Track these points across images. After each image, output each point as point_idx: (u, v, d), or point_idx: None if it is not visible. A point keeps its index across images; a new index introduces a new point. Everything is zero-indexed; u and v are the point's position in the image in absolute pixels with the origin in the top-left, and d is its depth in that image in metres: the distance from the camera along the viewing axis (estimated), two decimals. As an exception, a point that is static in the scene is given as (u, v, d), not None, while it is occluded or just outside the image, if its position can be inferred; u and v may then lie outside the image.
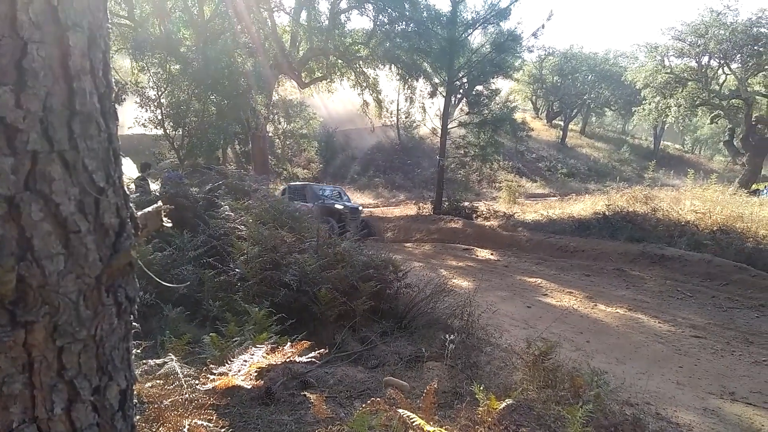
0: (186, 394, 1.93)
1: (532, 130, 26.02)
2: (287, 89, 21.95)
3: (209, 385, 1.86)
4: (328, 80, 20.59)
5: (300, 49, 19.50)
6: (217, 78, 14.87)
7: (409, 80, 20.37)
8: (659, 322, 6.63)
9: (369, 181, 21.90)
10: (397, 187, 21.44)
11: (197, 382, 1.98)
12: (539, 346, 3.97)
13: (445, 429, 1.55)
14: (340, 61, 19.22)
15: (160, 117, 15.05)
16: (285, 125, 20.49)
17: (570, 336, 6.05)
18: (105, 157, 0.79)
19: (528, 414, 3.42)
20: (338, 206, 14.21)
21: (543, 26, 20.12)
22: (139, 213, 0.93)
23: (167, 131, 15.18)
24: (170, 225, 1.02)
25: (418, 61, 19.29)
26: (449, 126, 20.85)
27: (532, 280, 8.82)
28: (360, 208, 15.73)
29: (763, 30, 22.63)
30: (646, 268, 9.18)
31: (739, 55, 23.68)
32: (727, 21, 23.22)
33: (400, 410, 1.59)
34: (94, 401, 0.78)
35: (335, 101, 24.67)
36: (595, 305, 7.39)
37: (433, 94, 20.77)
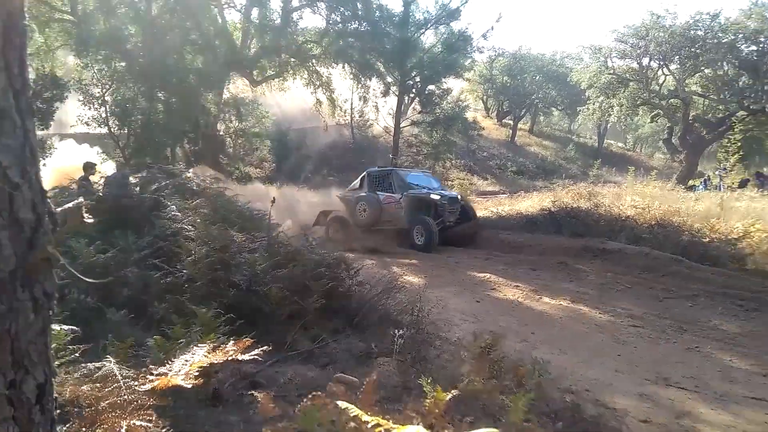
0: (125, 395, 1.91)
1: (483, 129, 26.55)
2: (239, 87, 21.59)
3: (148, 386, 1.84)
4: (281, 78, 20.38)
5: (251, 46, 19.21)
6: (165, 75, 14.51)
7: (363, 79, 20.42)
8: (600, 313, 6.91)
9: (323, 180, 21.80)
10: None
11: (136, 383, 1.96)
12: (486, 339, 4.06)
13: (384, 419, 1.60)
14: (292, 59, 19.05)
15: (104, 115, 14.58)
16: (237, 124, 20.10)
17: (516, 328, 6.23)
18: (20, 154, 0.80)
19: (473, 404, 3.48)
20: (434, 196, 11.98)
21: (492, 28, 20.76)
22: (59, 209, 0.94)
23: (112, 130, 14.72)
24: (91, 221, 1.02)
25: (371, 61, 19.38)
26: (402, 125, 21.06)
27: (482, 275, 9.02)
28: (458, 196, 13.20)
29: (699, 33, 23.76)
30: (589, 261, 9.52)
31: (678, 56, 24.77)
32: (666, 24, 24.26)
33: (338, 402, 1.62)
34: (9, 395, 0.79)
35: (288, 100, 24.42)
36: (540, 298, 7.64)
37: (386, 93, 20.94)
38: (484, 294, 7.94)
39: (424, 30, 20.60)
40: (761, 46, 22.95)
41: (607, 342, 5.91)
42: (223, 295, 4.44)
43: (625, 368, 5.17)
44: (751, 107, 23.12)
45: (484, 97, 39.45)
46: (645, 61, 26.08)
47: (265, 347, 2.28)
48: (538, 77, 36.86)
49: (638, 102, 26.44)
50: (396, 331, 4.20)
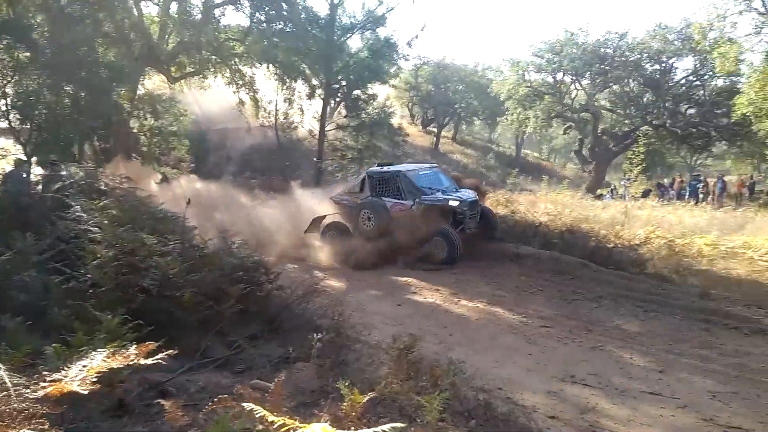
0: (14, 404, 1.77)
1: (408, 135, 26.99)
2: (155, 83, 20.57)
3: (41, 393, 1.72)
4: (201, 76, 19.68)
5: (170, 42, 18.40)
6: (74, 68, 13.59)
7: (287, 81, 20.14)
8: (513, 315, 7.21)
9: (245, 182, 21.20)
10: (275, 188, 21.08)
11: (28, 390, 1.83)
12: (404, 341, 4.13)
13: (293, 419, 1.60)
14: (213, 57, 18.43)
15: (4, 108, 13.45)
16: (152, 121, 19.11)
17: (435, 330, 6.40)
18: None
19: (391, 406, 3.53)
20: (452, 203, 10.34)
21: (417, 36, 21.33)
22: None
23: (13, 124, 13.60)
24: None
25: (297, 62, 19.16)
26: (327, 128, 21.00)
27: (403, 279, 9.16)
28: (477, 198, 11.24)
29: (608, 50, 25.63)
30: (505, 265, 9.92)
31: (589, 72, 26.58)
32: (579, 41, 25.92)
33: (244, 404, 1.61)
34: None
35: (210, 99, 23.59)
36: (459, 301, 7.87)
37: (311, 96, 20.80)
38: (405, 297, 8.08)
39: (350, 34, 20.67)
40: (663, 65, 25.10)
41: (519, 342, 6.19)
42: (131, 301, 4.23)
43: (536, 367, 5.45)
44: (653, 122, 25.20)
45: (410, 104, 40.09)
46: (559, 75, 27.76)
47: (170, 351, 2.19)
48: (460, 87, 38.02)
49: (552, 114, 28.03)
50: (315, 335, 4.18)
